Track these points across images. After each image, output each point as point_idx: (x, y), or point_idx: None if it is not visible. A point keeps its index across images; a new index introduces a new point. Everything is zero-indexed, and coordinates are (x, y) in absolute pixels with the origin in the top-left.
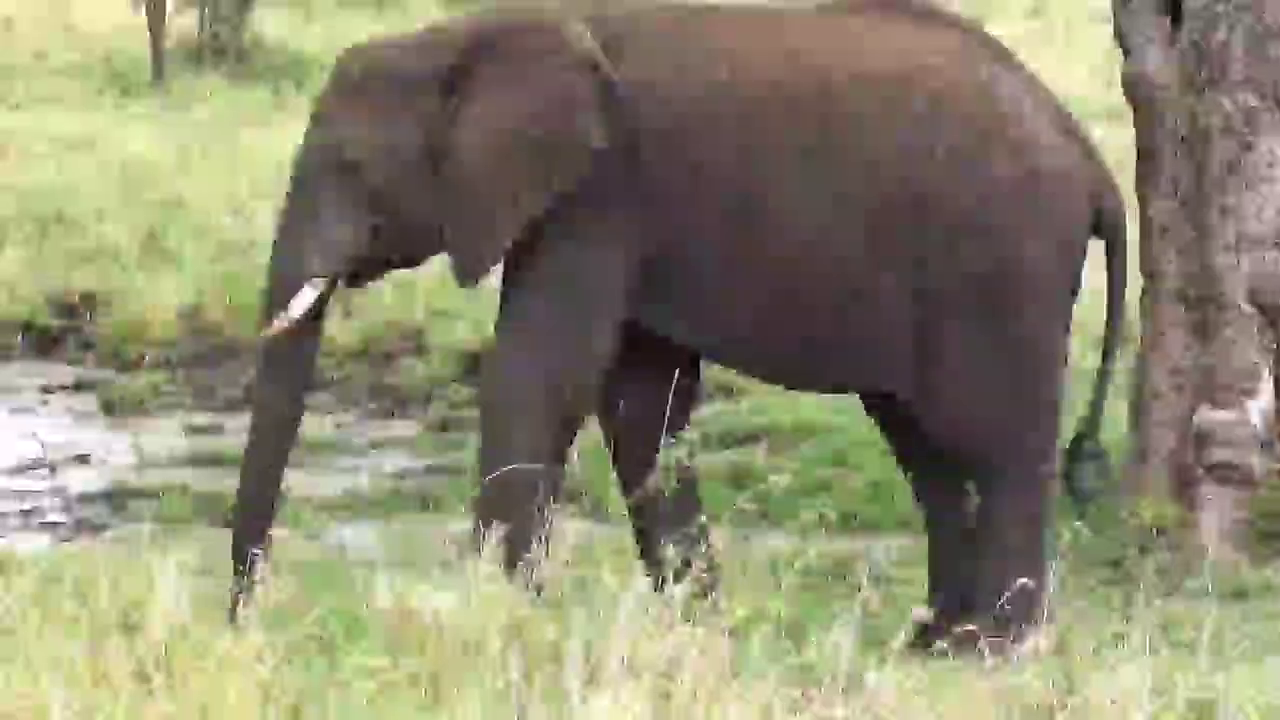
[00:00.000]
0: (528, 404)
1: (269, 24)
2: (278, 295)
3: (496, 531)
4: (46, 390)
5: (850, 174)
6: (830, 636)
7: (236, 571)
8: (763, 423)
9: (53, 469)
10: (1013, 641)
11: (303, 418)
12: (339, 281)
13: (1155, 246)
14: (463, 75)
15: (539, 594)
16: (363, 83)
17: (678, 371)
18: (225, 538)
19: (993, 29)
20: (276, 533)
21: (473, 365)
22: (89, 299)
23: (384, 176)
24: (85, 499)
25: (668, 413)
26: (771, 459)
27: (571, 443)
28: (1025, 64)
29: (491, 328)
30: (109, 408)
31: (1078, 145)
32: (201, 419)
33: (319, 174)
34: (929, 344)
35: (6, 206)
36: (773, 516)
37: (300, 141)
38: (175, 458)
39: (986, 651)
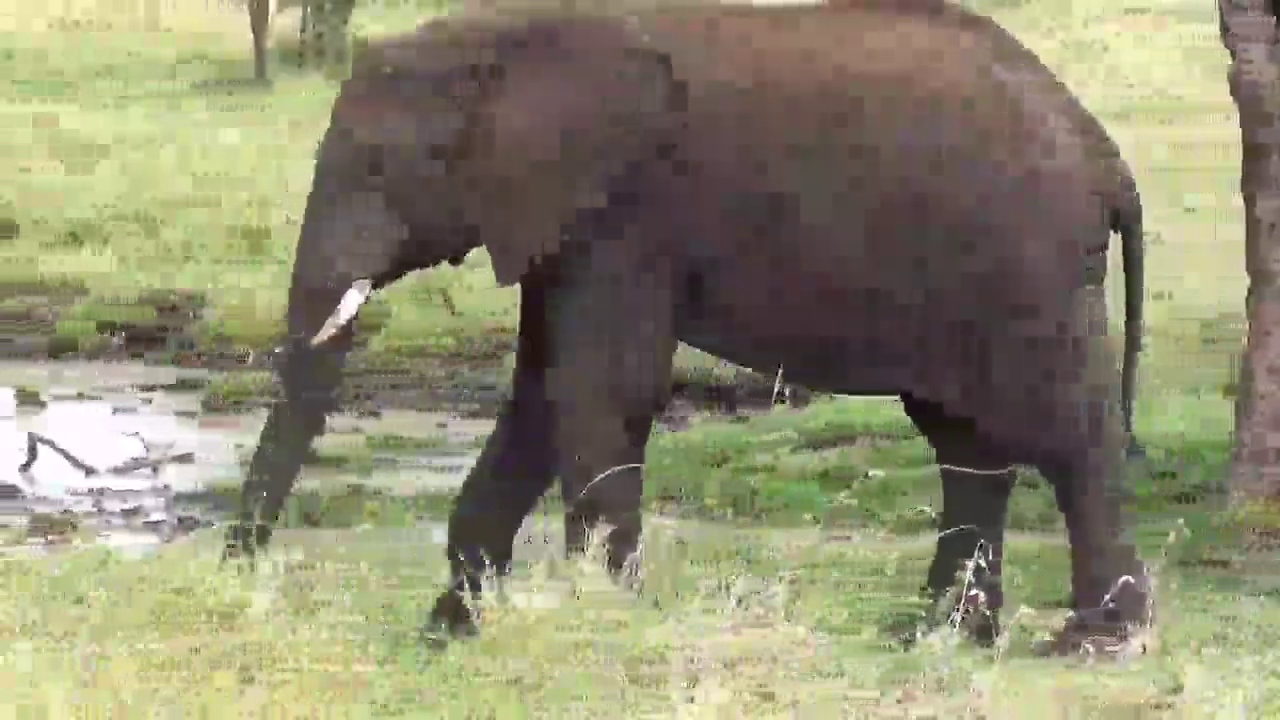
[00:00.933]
0: (599, 407)
1: (370, 24)
2: (313, 302)
3: (599, 531)
4: (148, 389)
5: (866, 174)
6: (931, 635)
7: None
8: (860, 422)
9: (154, 468)
10: (1118, 640)
11: (325, 420)
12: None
13: (1262, 245)
14: (499, 69)
15: (640, 594)
16: (391, 79)
17: None
18: (326, 536)
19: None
20: (379, 531)
21: None
22: (190, 298)
23: (414, 175)
24: (187, 498)
25: None
26: (869, 458)
27: (644, 442)
28: (1038, 62)
29: None
30: (211, 406)
31: (1090, 144)
32: None
33: (347, 176)
34: (962, 349)
35: (106, 206)
36: (871, 515)
37: (323, 143)
38: None
39: (1090, 651)
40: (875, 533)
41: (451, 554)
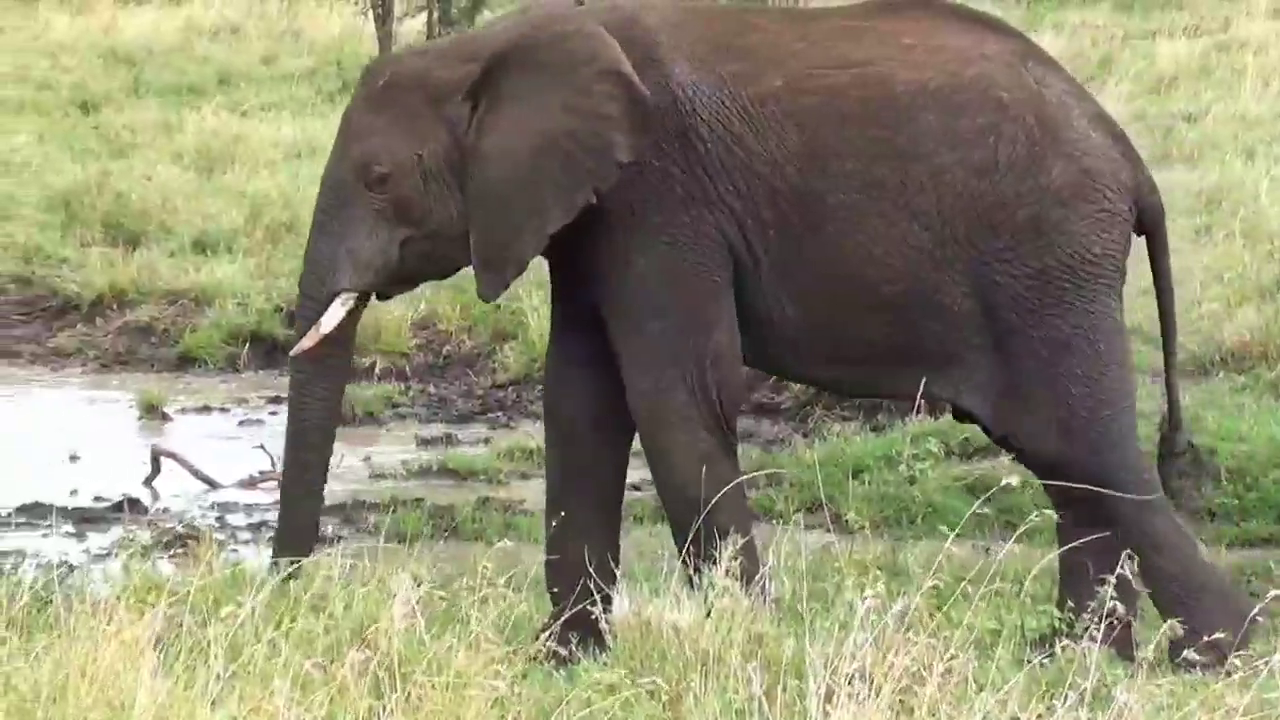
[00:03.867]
0: (680, 415)
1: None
2: (308, 310)
3: (730, 544)
4: (276, 401)
5: (912, 187)
6: (1076, 648)
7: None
8: None
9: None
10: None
11: (336, 428)
12: (377, 295)
13: None
14: (490, 86)
15: (776, 607)
16: (389, 94)
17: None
18: (459, 550)
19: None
20: (512, 547)
21: None
22: None
23: (411, 188)
24: None
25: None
26: (1013, 468)
27: (734, 442)
28: (1063, 68)
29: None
30: (341, 419)
31: (1119, 145)
32: (434, 430)
33: (349, 187)
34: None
35: (236, 215)
36: (1012, 526)
37: (331, 153)
38: (408, 470)
39: (1234, 664)
40: (1015, 544)
41: (560, 575)
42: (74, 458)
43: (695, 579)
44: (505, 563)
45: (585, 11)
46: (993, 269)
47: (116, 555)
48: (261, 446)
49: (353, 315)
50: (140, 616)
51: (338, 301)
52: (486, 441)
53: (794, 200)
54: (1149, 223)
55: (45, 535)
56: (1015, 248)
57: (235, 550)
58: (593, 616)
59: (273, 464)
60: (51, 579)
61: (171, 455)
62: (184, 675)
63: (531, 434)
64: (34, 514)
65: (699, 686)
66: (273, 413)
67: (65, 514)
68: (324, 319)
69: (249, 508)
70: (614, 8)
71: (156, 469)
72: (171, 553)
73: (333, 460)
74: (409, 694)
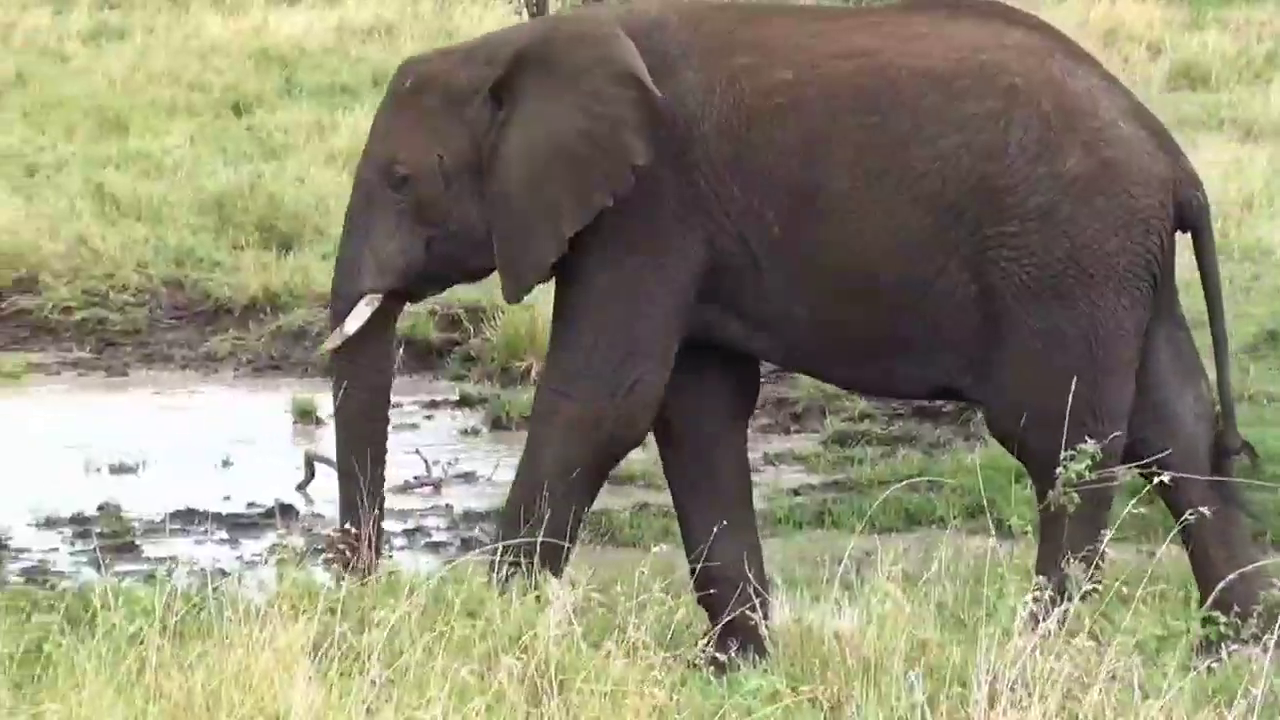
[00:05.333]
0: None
1: None
2: (337, 309)
3: (537, 556)
4: (431, 405)
5: (916, 172)
6: (1244, 654)
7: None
8: None
9: (438, 486)
10: None
11: (387, 428)
12: (405, 295)
13: None
14: (508, 88)
15: (939, 612)
16: (413, 95)
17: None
18: (616, 556)
19: None
20: (670, 552)
21: None
22: (473, 312)
23: (433, 190)
24: (471, 517)
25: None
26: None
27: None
28: (1098, 63)
29: None
30: (496, 423)
31: (1154, 139)
32: None
33: (374, 188)
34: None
35: None
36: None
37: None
38: None
39: None
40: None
41: (711, 583)
42: (227, 463)
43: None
44: (663, 568)
45: (606, 13)
46: (999, 254)
47: (270, 561)
48: (416, 451)
49: (388, 315)
50: (294, 623)
51: (362, 302)
52: (643, 446)
53: (795, 194)
54: (1190, 219)
55: (199, 541)
56: (1023, 234)
57: (390, 556)
58: (751, 623)
59: (427, 469)
60: (205, 585)
61: (326, 460)
62: (339, 683)
63: None
64: (187, 520)
65: (860, 694)
66: (428, 417)
67: (218, 520)
68: (348, 320)
69: (403, 513)
70: (634, 9)
71: (310, 474)
72: (325, 559)
73: (489, 466)
74: (567, 701)
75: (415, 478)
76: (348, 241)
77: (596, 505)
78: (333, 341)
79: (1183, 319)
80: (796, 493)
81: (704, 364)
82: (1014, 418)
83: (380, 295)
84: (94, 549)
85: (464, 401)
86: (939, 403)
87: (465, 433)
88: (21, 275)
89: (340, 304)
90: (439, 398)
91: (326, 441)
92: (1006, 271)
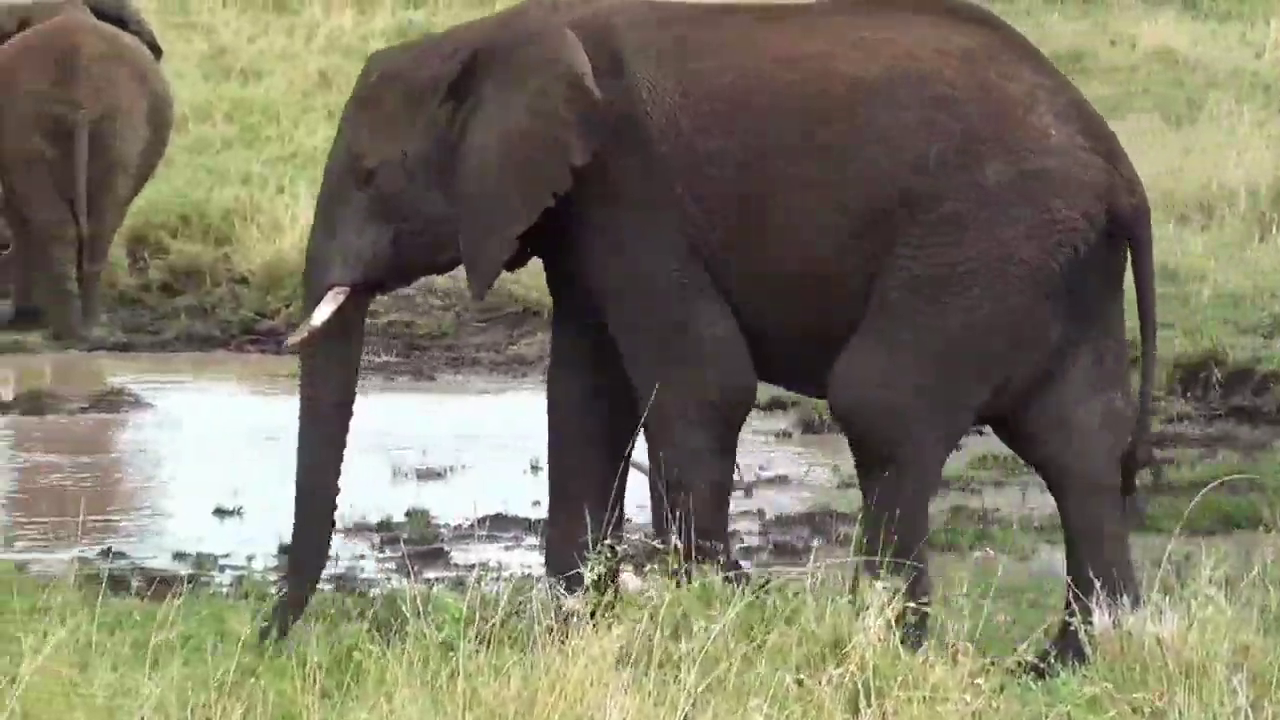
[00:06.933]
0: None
1: None
2: (307, 303)
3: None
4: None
5: (842, 181)
6: None
7: (291, 591)
8: None
9: (748, 491)
10: None
11: (349, 422)
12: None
13: None
14: (468, 84)
15: (1261, 616)
16: (376, 91)
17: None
18: (932, 559)
19: None
20: (987, 557)
21: (1185, 377)
22: None
23: (397, 185)
24: (784, 522)
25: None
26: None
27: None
28: (1045, 62)
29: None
30: (807, 426)
31: (1092, 145)
32: None
33: (341, 182)
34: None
35: None
36: None
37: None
38: None
39: None
40: None
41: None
42: (535, 467)
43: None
44: (980, 572)
45: (561, 13)
46: (903, 252)
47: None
48: None
49: (358, 307)
50: (609, 631)
51: (329, 295)
52: (958, 449)
53: (735, 200)
54: (1125, 225)
55: (508, 547)
56: (931, 235)
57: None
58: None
59: (739, 474)
60: (518, 592)
61: (638, 465)
62: (654, 691)
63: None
64: (496, 525)
65: (1182, 700)
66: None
67: (528, 525)
68: (315, 313)
69: None
70: (592, 8)
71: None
72: (636, 564)
73: (800, 470)
74: (885, 709)
75: None
76: (316, 235)
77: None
78: (299, 334)
79: (1116, 328)
80: None
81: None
82: (853, 403)
83: (347, 288)
84: (402, 555)
85: (774, 404)
86: (1259, 403)
87: (776, 436)
88: None
89: (310, 298)
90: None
91: (639, 447)
92: (904, 268)
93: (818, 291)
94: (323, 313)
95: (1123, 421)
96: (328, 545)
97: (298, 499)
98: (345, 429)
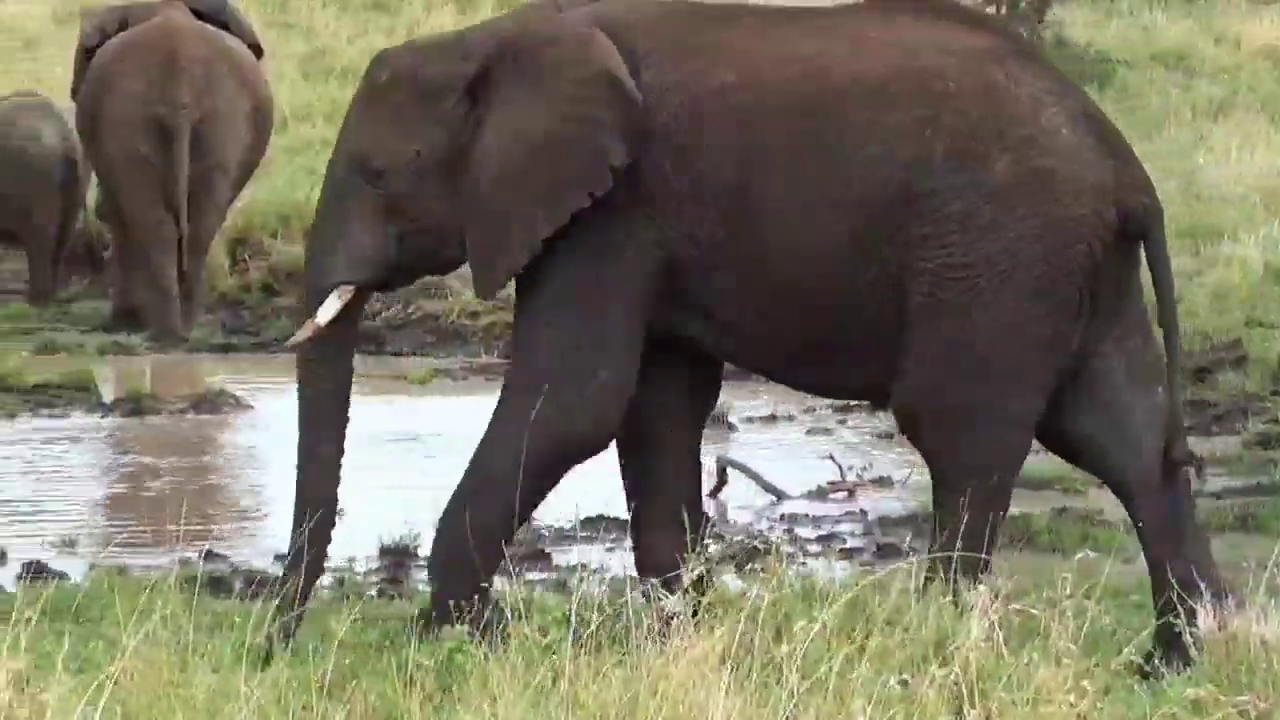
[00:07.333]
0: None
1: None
2: (309, 302)
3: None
4: (844, 410)
5: (842, 179)
6: None
7: (290, 591)
8: None
9: (850, 492)
10: None
11: (347, 421)
12: (375, 287)
13: None
14: (485, 84)
15: None
16: (387, 89)
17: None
18: (1036, 562)
19: None
20: (1091, 558)
21: None
22: None
23: (406, 184)
24: (886, 523)
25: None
26: None
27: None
28: (1049, 66)
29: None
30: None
31: (1100, 147)
32: None
33: (347, 180)
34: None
35: None
36: None
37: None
38: None
39: None
40: None
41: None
42: None
43: None
44: (1084, 574)
45: (581, 12)
46: (914, 256)
47: (684, 569)
48: (830, 456)
49: (357, 305)
50: (710, 632)
51: (334, 294)
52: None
53: (734, 198)
54: (1138, 226)
55: (609, 549)
56: (938, 237)
57: (804, 563)
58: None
59: (841, 474)
60: (618, 594)
61: (739, 466)
62: (756, 693)
63: None
64: (597, 527)
65: None
66: (841, 421)
67: (629, 526)
68: (320, 311)
69: (818, 519)
70: (597, 8)
71: (723, 480)
72: (741, 566)
73: (899, 472)
74: (989, 710)
75: (830, 483)
76: (320, 233)
77: (1014, 510)
78: (303, 333)
79: (1143, 326)
80: (1218, 496)
81: (663, 365)
82: (918, 418)
83: (352, 287)
84: (504, 557)
85: (877, 405)
86: None
87: (879, 437)
88: (428, 281)
89: (312, 296)
90: (852, 402)
91: (738, 446)
92: (920, 273)
93: (817, 291)
94: (328, 311)
95: (1161, 420)
96: (327, 545)
97: (298, 499)
98: (344, 427)
